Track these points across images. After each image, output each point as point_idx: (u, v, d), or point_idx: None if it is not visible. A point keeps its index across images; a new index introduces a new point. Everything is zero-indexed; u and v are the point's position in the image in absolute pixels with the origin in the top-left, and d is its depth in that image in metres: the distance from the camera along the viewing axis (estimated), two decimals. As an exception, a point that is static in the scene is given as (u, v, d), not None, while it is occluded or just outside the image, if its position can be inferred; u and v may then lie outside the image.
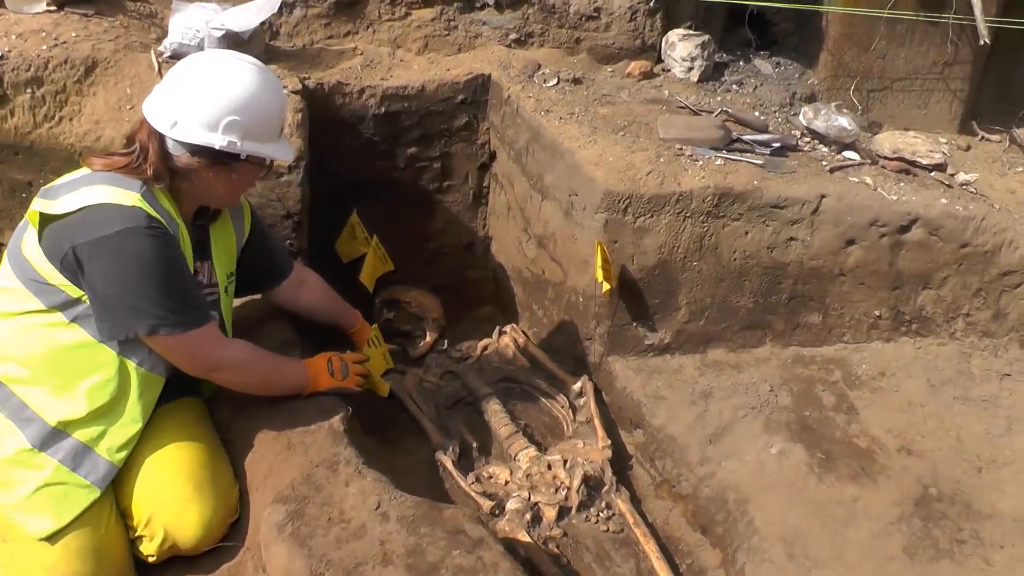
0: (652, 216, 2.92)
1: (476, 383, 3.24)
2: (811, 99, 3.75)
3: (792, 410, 2.91)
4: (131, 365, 2.15)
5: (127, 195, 2.05)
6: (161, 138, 2.12)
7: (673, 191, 2.90)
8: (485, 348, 3.51)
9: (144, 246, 2.02)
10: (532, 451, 2.87)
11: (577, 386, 3.24)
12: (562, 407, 3.20)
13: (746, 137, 3.19)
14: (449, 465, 2.86)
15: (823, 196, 2.97)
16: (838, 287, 3.10)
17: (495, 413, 3.06)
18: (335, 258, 3.48)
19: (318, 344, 3.20)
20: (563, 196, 3.10)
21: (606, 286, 2.91)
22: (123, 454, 2.17)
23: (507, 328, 3.56)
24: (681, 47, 3.58)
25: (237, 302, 2.67)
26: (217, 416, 2.55)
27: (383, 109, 3.37)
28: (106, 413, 2.14)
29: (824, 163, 3.18)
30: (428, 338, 3.58)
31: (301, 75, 3.20)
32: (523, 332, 3.56)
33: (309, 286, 2.86)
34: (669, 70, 3.67)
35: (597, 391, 3.24)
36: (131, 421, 2.18)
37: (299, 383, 2.51)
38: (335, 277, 3.51)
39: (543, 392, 3.26)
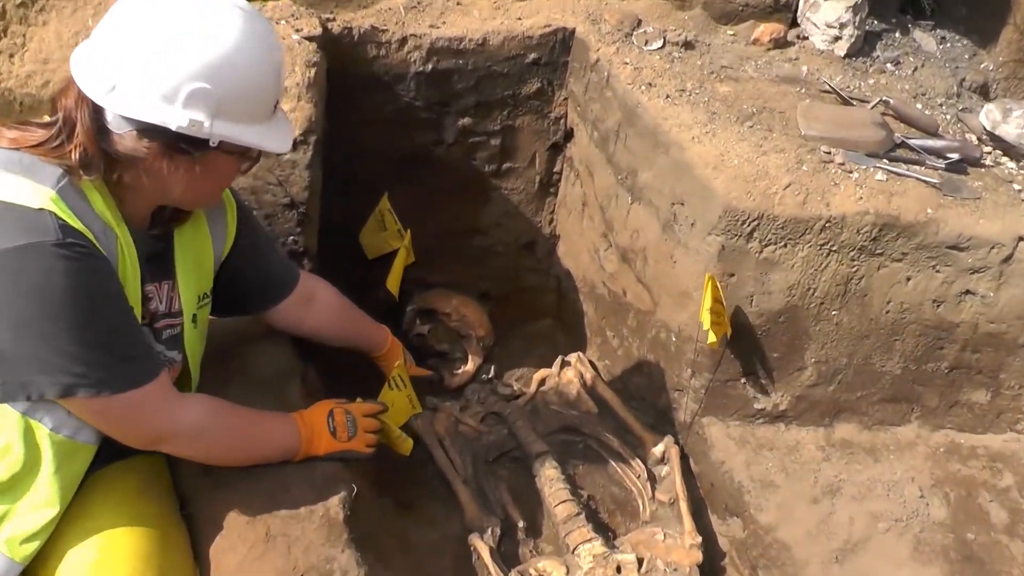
0: (786, 246, 2.19)
1: (527, 434, 2.56)
2: (983, 89, 2.94)
3: (950, 528, 2.20)
4: (41, 431, 1.52)
5: (36, 191, 1.38)
6: (95, 109, 1.44)
7: (818, 215, 2.16)
8: (542, 383, 2.82)
9: (53, 272, 1.36)
10: (598, 545, 2.20)
11: (659, 449, 2.55)
12: (637, 476, 2.53)
13: (914, 142, 2.42)
14: (485, 555, 2.20)
15: (1021, 239, 2.21)
16: (1021, 360, 2.36)
17: (551, 481, 2.39)
18: (354, 256, 2.80)
19: (333, 368, 2.57)
20: (663, 203, 2.38)
21: (713, 336, 2.20)
22: (31, 547, 1.56)
23: (572, 359, 2.86)
24: (827, 8, 2.78)
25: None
26: (178, 475, 1.93)
27: (430, 66, 2.64)
28: (6, 492, 1.53)
29: (1017, 187, 2.40)
30: (470, 364, 2.90)
31: (323, 14, 2.48)
32: (591, 364, 2.87)
33: (320, 303, 2.20)
34: (807, 38, 2.87)
35: (684, 457, 2.56)
36: (44, 503, 1.56)
37: (287, 448, 1.90)
38: (352, 281, 2.89)
39: (614, 452, 2.58)
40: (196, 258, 1.80)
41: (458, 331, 2.89)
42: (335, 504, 1.91)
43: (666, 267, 2.42)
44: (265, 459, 1.88)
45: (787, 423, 2.46)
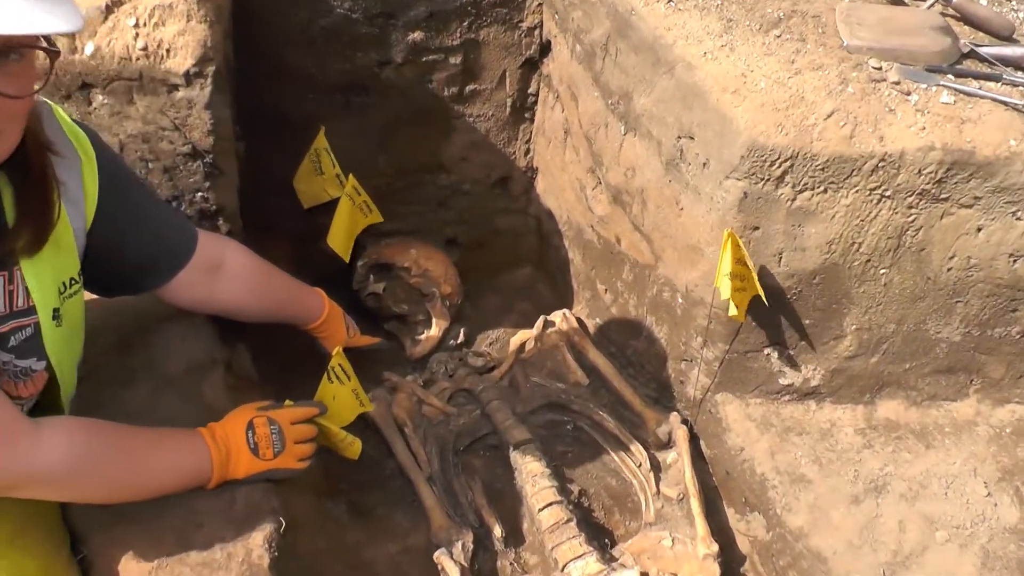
0: (826, 192, 1.75)
1: (504, 416, 2.16)
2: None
3: (1024, 534, 1.83)
4: None
5: None
6: None
7: (869, 151, 1.71)
8: (521, 349, 2.41)
9: None
10: (592, 562, 1.82)
11: (663, 430, 2.16)
12: (638, 465, 2.14)
13: (984, 50, 1.94)
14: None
15: None
16: (1112, 321, 1.95)
17: (534, 478, 2.00)
18: (303, 214, 2.37)
19: (273, 346, 2.16)
20: (666, 136, 1.92)
21: (735, 307, 1.78)
22: None
23: (556, 317, 2.44)
24: None
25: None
26: (70, 505, 1.54)
27: (371, -35, 2.13)
28: None
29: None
30: (434, 328, 2.47)
31: None
32: (580, 324, 2.45)
33: (230, 271, 1.79)
34: (839, -84, 2.36)
35: (693, 438, 2.17)
36: None
37: (194, 475, 1.55)
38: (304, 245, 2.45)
39: (609, 435, 2.19)
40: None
41: (419, 288, 2.45)
42: (258, 544, 1.54)
43: (670, 215, 1.98)
44: (164, 492, 1.50)
45: (819, 401, 2.06)
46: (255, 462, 1.57)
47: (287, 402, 1.70)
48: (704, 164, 1.81)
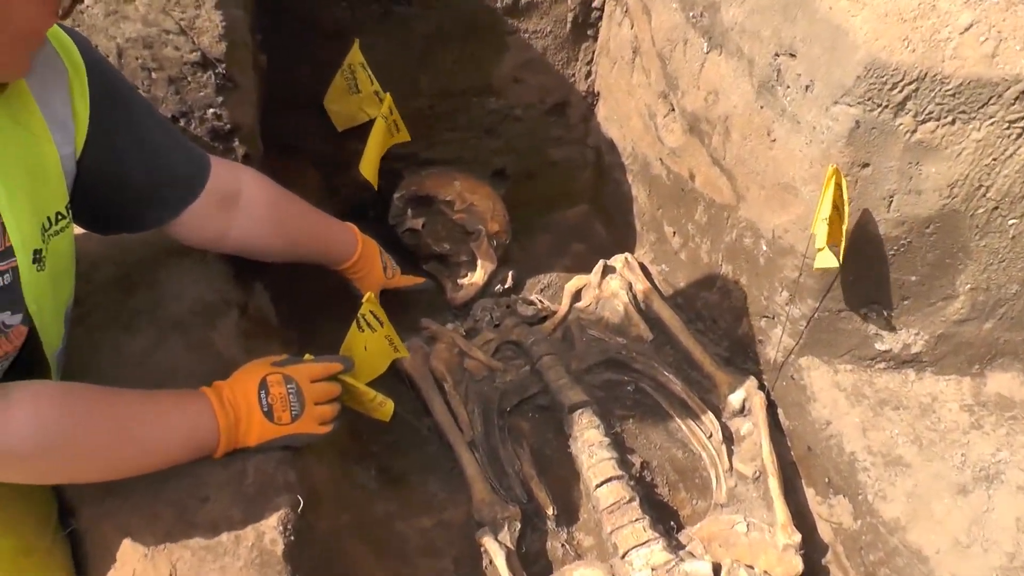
0: (954, 123, 1.46)
1: (558, 375, 1.94)
2: None
3: None
4: None
5: None
6: None
7: (1014, 74, 1.42)
8: (577, 297, 2.17)
9: None
10: (658, 550, 1.60)
11: (737, 397, 1.92)
12: (709, 436, 1.91)
13: None
14: (500, 563, 1.62)
15: None
16: None
17: (591, 448, 1.78)
18: (334, 136, 2.13)
19: (297, 287, 1.97)
20: (760, 53, 1.64)
21: (827, 257, 1.52)
22: None
23: (617, 262, 2.20)
24: None
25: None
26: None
27: None
28: None
29: None
30: (479, 271, 2.23)
31: None
32: (643, 271, 2.20)
33: (248, 203, 1.57)
34: None
35: (771, 407, 1.93)
36: None
37: (195, 446, 1.36)
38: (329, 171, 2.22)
39: (675, 399, 1.96)
40: (26, 162, 1.13)
41: (463, 225, 2.21)
42: (271, 526, 1.34)
43: (759, 147, 1.71)
44: (162, 466, 1.31)
45: (920, 371, 1.80)
46: (269, 427, 1.37)
47: (307, 356, 1.49)
48: (807, 87, 1.53)
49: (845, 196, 1.47)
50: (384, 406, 1.64)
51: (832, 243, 1.52)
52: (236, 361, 1.51)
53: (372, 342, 1.64)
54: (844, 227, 1.49)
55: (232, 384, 1.38)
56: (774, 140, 1.67)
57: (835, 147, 1.51)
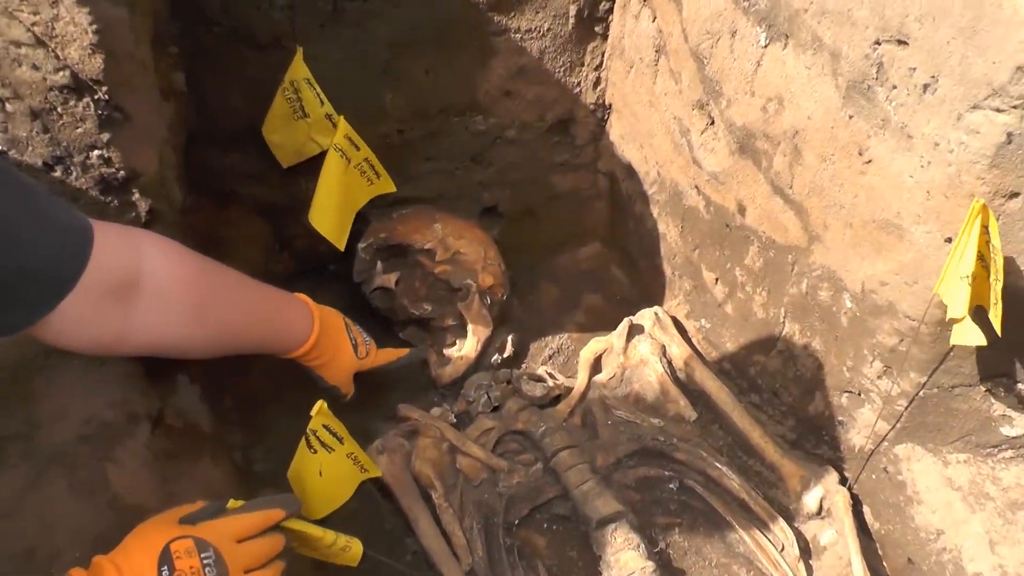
0: None
1: (581, 474, 1.50)
2: None
3: None
4: None
5: None
6: None
7: None
8: (597, 367, 1.73)
9: None
10: None
11: (813, 495, 1.48)
12: (780, 548, 1.47)
13: None
14: None
15: None
16: None
17: (627, 571, 1.34)
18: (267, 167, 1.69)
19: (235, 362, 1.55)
20: (849, 42, 1.21)
21: (968, 330, 1.09)
22: None
23: (646, 318, 1.76)
24: None
25: None
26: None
27: None
28: None
29: None
30: (471, 337, 1.78)
31: None
32: (678, 328, 1.76)
33: (152, 289, 1.12)
34: None
35: (857, 508, 1.50)
36: None
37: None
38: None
39: (733, 500, 1.52)
40: None
41: (448, 280, 1.76)
42: None
43: (846, 171, 1.28)
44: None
45: (1070, 463, 1.38)
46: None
47: (231, 503, 1.04)
48: (926, 86, 1.10)
49: (995, 243, 1.04)
50: (348, 550, 1.20)
51: (975, 307, 1.10)
52: (144, 507, 1.09)
53: (330, 465, 1.20)
54: (996, 284, 1.06)
55: (118, 561, 0.94)
56: (869, 162, 1.23)
57: (970, 171, 1.08)
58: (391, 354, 1.62)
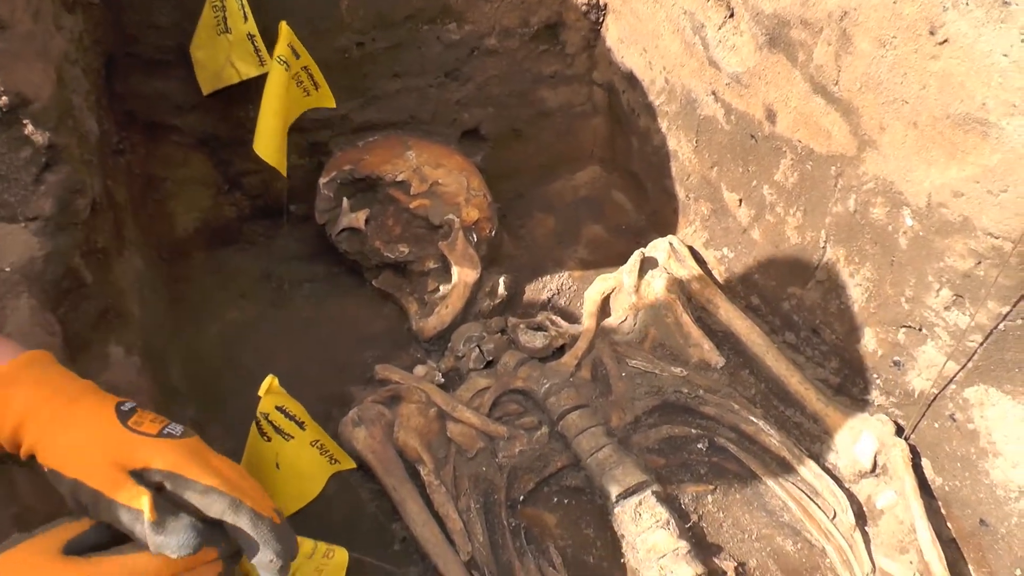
0: None
1: (593, 440, 1.28)
2: None
3: None
4: None
5: None
6: None
7: None
8: (606, 308, 1.50)
9: None
10: None
11: (865, 448, 1.27)
12: (831, 515, 1.26)
13: None
14: None
15: None
16: None
17: (661, 564, 1.14)
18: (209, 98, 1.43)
19: None
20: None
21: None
22: None
23: (659, 249, 1.53)
24: None
25: None
26: None
27: None
28: None
29: None
30: (457, 281, 1.55)
31: None
32: (694, 257, 1.53)
33: None
34: None
35: (915, 463, 1.28)
36: None
37: None
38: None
39: (771, 458, 1.31)
40: None
41: (426, 216, 1.52)
42: None
43: (911, 56, 1.04)
44: None
45: None
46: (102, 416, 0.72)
47: (148, 511, 0.79)
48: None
49: None
50: (331, 558, 0.97)
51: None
52: None
53: (288, 455, 0.97)
54: None
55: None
56: (943, 42, 0.99)
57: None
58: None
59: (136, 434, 0.71)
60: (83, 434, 0.71)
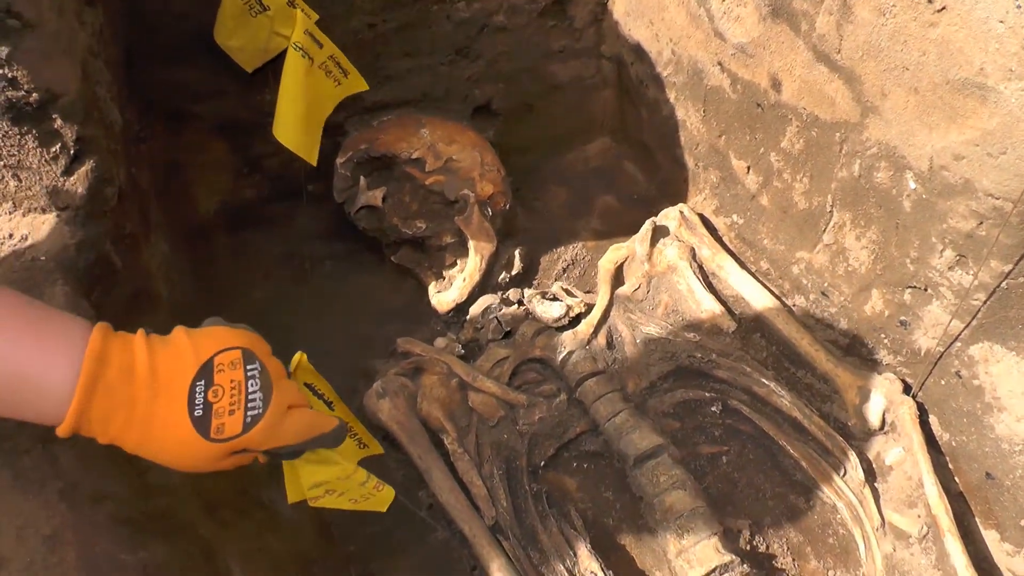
0: None
1: (610, 405, 1.32)
2: None
3: None
4: None
5: None
6: None
7: None
8: (619, 278, 1.53)
9: None
10: None
11: (874, 406, 1.30)
12: (843, 473, 1.29)
13: None
14: None
15: None
16: None
17: (679, 524, 1.18)
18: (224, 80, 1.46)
19: None
20: None
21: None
22: None
23: (670, 218, 1.55)
24: None
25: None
26: None
27: None
28: None
29: None
30: (474, 256, 1.57)
31: None
32: (705, 225, 1.55)
33: None
34: None
35: (923, 419, 1.31)
36: None
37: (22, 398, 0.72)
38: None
39: (784, 419, 1.34)
40: None
41: (442, 192, 1.55)
42: None
43: (911, 23, 1.06)
44: None
45: None
46: (189, 434, 0.74)
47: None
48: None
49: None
50: (380, 491, 1.02)
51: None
52: (106, 494, 0.93)
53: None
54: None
55: (155, 350, 0.75)
56: (941, 9, 1.01)
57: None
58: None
59: (222, 443, 0.74)
60: (175, 460, 0.76)
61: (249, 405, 0.78)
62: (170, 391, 0.73)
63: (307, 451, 0.85)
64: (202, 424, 0.73)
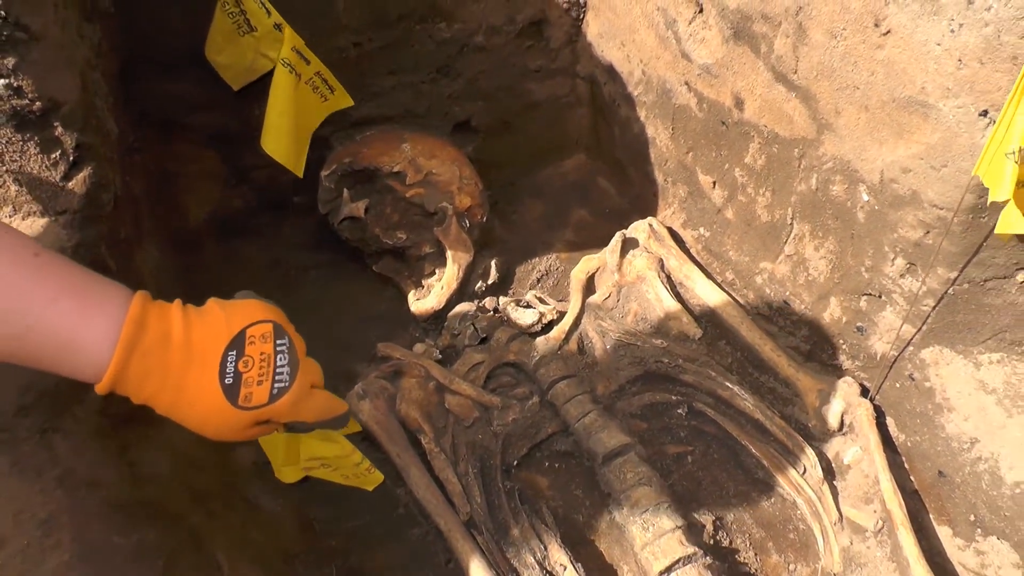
0: None
1: (580, 407, 1.38)
2: None
3: None
4: None
5: None
6: None
7: None
8: (591, 287, 1.60)
9: None
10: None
11: (833, 409, 1.37)
12: (802, 471, 1.36)
13: None
14: None
15: None
16: None
17: (644, 516, 1.24)
18: (215, 92, 1.51)
19: None
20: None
21: (1016, 218, 0.96)
22: None
23: (639, 230, 1.62)
24: None
25: None
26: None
27: None
28: None
29: None
30: (452, 265, 1.64)
31: None
32: (673, 237, 1.62)
33: None
34: None
35: (880, 420, 1.38)
36: None
37: (67, 359, 0.77)
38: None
39: (746, 420, 1.40)
40: None
41: (421, 204, 1.61)
42: None
43: (859, 46, 1.13)
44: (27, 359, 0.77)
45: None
46: (219, 410, 0.79)
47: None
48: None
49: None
50: (371, 473, 1.07)
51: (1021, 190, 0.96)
52: (100, 482, 0.99)
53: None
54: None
55: (191, 319, 0.81)
56: (887, 33, 1.08)
57: (1013, 29, 0.94)
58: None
59: (249, 411, 0.79)
60: (203, 425, 0.80)
61: (277, 377, 0.83)
62: (203, 359, 0.78)
63: (316, 428, 0.91)
64: (231, 392, 0.78)
